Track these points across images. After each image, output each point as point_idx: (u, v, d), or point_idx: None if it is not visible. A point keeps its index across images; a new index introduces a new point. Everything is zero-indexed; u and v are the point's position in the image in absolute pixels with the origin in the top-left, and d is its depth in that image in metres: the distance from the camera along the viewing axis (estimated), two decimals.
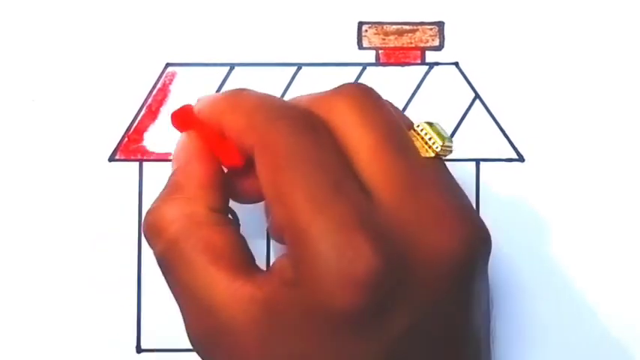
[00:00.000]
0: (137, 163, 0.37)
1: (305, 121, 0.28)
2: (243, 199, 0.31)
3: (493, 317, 0.35)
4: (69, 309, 0.37)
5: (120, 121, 0.37)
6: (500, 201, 0.37)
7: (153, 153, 0.37)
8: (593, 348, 0.37)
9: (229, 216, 0.31)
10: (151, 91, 0.38)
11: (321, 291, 0.26)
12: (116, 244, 0.37)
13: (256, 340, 0.27)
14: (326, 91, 0.29)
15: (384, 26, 0.38)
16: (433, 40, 0.38)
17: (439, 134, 0.30)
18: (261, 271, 0.29)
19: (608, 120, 0.38)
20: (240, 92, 0.30)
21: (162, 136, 0.37)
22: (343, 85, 0.29)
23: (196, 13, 0.38)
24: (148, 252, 0.37)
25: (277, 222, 0.27)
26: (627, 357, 0.37)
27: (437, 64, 0.38)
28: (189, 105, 0.32)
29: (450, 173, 0.30)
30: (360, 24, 0.38)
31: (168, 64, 0.38)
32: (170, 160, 0.37)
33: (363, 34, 0.38)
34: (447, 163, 0.30)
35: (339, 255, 0.25)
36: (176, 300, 0.30)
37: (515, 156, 0.38)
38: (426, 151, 0.30)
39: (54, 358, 0.37)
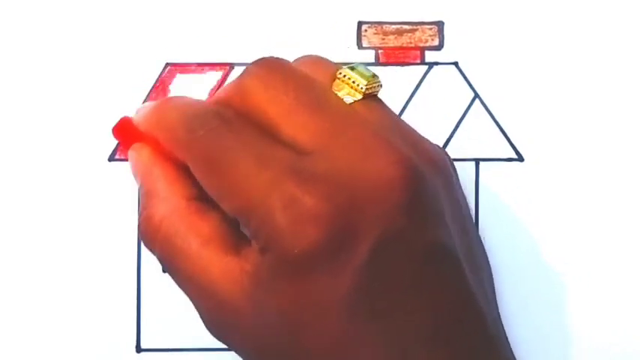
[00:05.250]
0: None
1: (220, 120, 0.30)
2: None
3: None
4: (69, 309, 0.37)
5: None
6: (500, 201, 0.37)
7: None
8: (592, 346, 0.37)
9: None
10: (150, 91, 0.38)
11: (280, 245, 0.28)
12: (116, 244, 0.37)
13: (250, 307, 0.29)
14: (235, 78, 0.31)
15: (384, 26, 0.38)
16: (433, 39, 0.38)
17: (362, 74, 0.31)
18: (250, 244, 0.30)
19: (608, 120, 0.38)
20: (164, 105, 0.33)
21: None
22: (248, 66, 0.31)
23: (196, 13, 0.38)
24: (147, 251, 0.37)
25: (232, 215, 0.30)
26: None
27: (436, 63, 0.38)
28: (127, 118, 0.34)
29: (387, 110, 0.32)
30: (360, 24, 0.38)
31: (168, 64, 0.38)
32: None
33: (363, 33, 0.38)
34: None
35: (280, 208, 0.28)
36: (186, 295, 0.32)
37: (514, 156, 0.38)
38: (354, 94, 0.31)
39: (54, 357, 0.37)
